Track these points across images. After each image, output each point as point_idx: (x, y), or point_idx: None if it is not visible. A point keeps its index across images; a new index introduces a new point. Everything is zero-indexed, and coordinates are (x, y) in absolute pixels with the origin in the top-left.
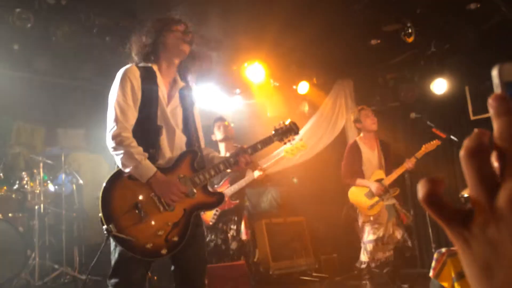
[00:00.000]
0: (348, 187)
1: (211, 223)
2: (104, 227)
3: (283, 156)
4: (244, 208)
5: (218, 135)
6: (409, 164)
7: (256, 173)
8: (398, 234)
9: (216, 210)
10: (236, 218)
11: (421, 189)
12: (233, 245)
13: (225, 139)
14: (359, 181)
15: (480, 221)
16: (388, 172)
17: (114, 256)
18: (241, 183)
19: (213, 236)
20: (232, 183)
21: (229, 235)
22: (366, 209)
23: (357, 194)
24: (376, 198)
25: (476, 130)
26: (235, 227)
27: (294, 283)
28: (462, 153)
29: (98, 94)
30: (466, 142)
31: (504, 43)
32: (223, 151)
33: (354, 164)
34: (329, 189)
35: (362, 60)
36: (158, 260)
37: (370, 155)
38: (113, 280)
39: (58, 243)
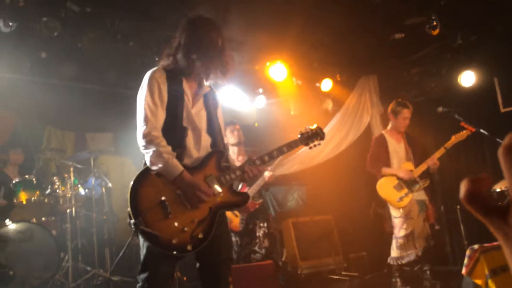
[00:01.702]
0: (375, 179)
1: (241, 229)
2: (132, 221)
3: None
4: (266, 206)
5: (231, 139)
6: (437, 154)
7: (266, 174)
8: (428, 230)
9: (243, 215)
10: (263, 216)
11: (462, 188)
12: (265, 243)
13: (238, 144)
14: (385, 169)
15: None
16: (416, 165)
17: (142, 252)
18: (259, 183)
19: (247, 239)
20: (250, 185)
21: (259, 234)
22: (396, 201)
23: (385, 187)
24: (405, 190)
25: None
26: (264, 224)
27: (323, 282)
28: (500, 150)
29: (124, 98)
30: (505, 140)
31: None
32: (236, 155)
33: (380, 154)
34: (356, 186)
35: (386, 55)
36: (184, 256)
37: (397, 146)
38: (143, 275)
39: (90, 246)
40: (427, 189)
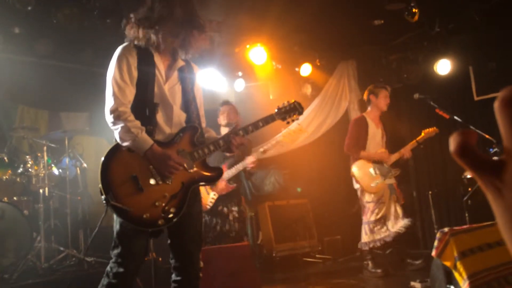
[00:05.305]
0: (352, 161)
1: (208, 207)
2: (103, 196)
3: (280, 140)
4: (242, 191)
5: (222, 120)
6: (409, 147)
7: (249, 160)
8: (400, 211)
9: (214, 194)
10: (235, 200)
11: (453, 142)
12: (236, 226)
13: (228, 125)
14: (363, 153)
15: None
16: (389, 153)
17: (115, 228)
18: (238, 167)
19: (218, 220)
20: (230, 167)
21: (230, 217)
22: (370, 186)
23: (361, 171)
24: (379, 177)
25: None
26: (236, 208)
27: (297, 264)
28: (496, 103)
29: (100, 77)
30: (502, 93)
31: (508, 23)
32: None
33: (360, 138)
34: (333, 171)
35: (365, 41)
36: (157, 231)
37: (376, 131)
38: (116, 251)
39: (63, 226)
40: (397, 175)
